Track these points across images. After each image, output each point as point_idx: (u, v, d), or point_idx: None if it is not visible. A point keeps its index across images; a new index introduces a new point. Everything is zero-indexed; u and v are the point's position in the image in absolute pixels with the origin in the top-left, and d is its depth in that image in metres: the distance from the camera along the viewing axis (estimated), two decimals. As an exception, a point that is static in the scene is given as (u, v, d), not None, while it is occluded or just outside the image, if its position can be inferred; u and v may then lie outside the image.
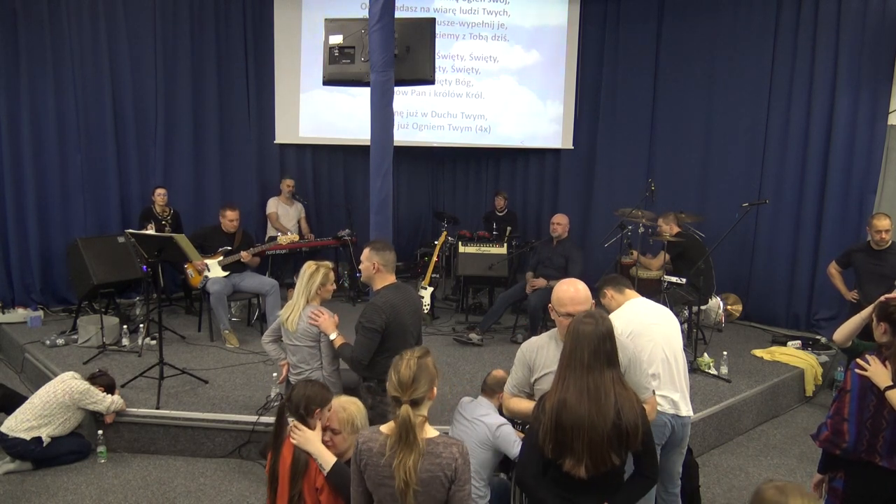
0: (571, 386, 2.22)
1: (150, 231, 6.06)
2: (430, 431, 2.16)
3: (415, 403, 2.11)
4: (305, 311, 3.58)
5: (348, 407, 2.83)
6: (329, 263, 3.80)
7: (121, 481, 3.97)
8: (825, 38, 6.41)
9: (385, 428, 2.17)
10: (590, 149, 8.28)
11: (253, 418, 4.26)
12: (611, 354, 2.25)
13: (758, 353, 5.88)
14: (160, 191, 6.67)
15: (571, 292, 2.60)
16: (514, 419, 3.40)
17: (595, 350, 2.21)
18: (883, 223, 5.10)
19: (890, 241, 5.12)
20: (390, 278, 3.54)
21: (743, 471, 4.36)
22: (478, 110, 8.35)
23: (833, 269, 5.61)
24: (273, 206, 7.59)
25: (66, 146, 6.66)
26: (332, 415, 2.76)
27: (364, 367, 3.39)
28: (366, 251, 3.51)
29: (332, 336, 3.51)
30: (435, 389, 2.20)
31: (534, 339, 2.79)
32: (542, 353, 2.69)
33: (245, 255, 5.86)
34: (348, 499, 2.70)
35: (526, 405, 2.71)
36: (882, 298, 2.86)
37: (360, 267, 3.56)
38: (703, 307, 6.00)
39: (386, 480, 2.09)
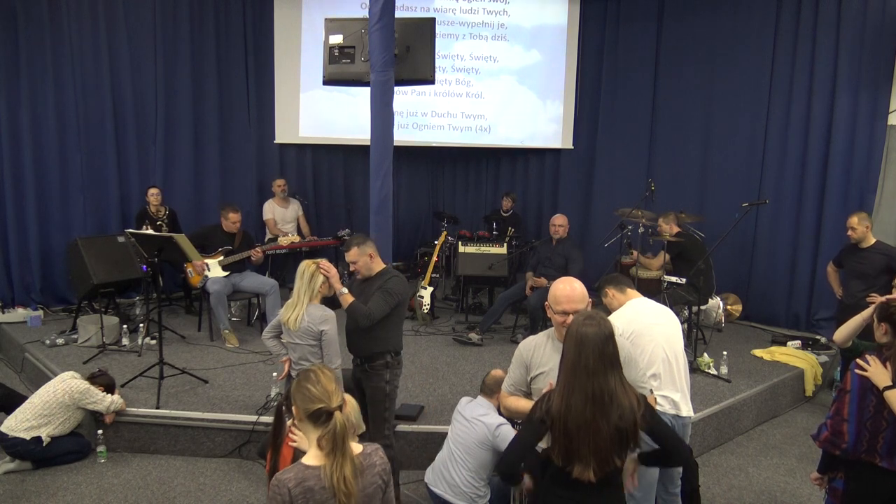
0: (577, 391, 2.21)
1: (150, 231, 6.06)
2: (356, 446, 2.05)
3: (340, 410, 1.99)
4: (308, 310, 3.58)
5: None
6: (326, 261, 3.81)
7: (121, 481, 3.97)
8: (825, 38, 6.41)
9: (309, 459, 1.99)
10: (590, 149, 8.28)
11: (253, 418, 4.26)
12: (613, 357, 2.25)
13: (758, 353, 5.88)
14: (153, 191, 6.65)
15: (568, 291, 2.60)
16: (513, 419, 3.40)
17: (600, 355, 2.21)
18: (850, 220, 5.15)
19: (871, 240, 5.12)
20: (382, 262, 3.71)
21: (743, 471, 4.37)
22: (478, 110, 8.35)
23: (830, 267, 5.63)
24: (269, 210, 7.56)
25: (66, 146, 6.66)
26: None
27: (373, 323, 3.50)
28: (353, 251, 3.59)
29: (344, 291, 3.57)
30: None
31: (531, 337, 2.79)
32: (538, 351, 2.69)
33: (255, 253, 5.89)
34: None
35: (524, 404, 2.70)
36: (883, 299, 2.85)
37: (357, 266, 3.62)
38: (703, 307, 6.00)
39: None
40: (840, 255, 5.45)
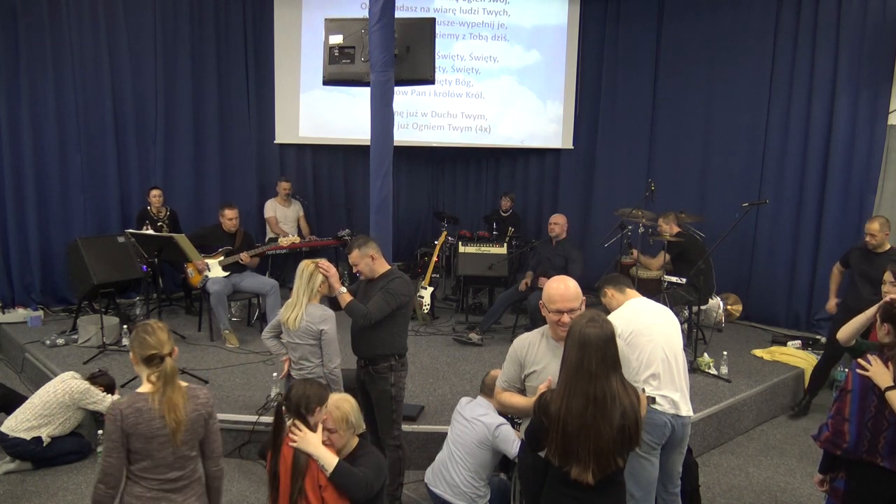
0: (577, 393, 2.21)
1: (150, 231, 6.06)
2: (183, 383, 2.41)
3: (170, 356, 2.36)
4: (308, 310, 3.59)
5: (342, 405, 2.84)
6: (325, 260, 3.80)
7: (121, 481, 3.97)
8: (825, 39, 6.41)
9: (144, 389, 2.35)
10: (590, 149, 8.28)
11: (253, 418, 4.26)
12: (615, 359, 2.25)
13: (758, 353, 5.88)
14: (155, 192, 6.65)
15: (562, 289, 2.61)
16: (514, 418, 3.40)
17: (602, 357, 2.21)
18: (871, 226, 5.00)
19: (887, 246, 5.06)
20: (386, 263, 3.64)
21: (743, 471, 4.37)
22: (478, 110, 8.35)
23: (836, 268, 5.56)
24: (270, 209, 7.57)
25: (66, 146, 6.65)
26: (326, 414, 2.78)
27: (370, 323, 3.45)
28: (354, 252, 3.55)
29: (343, 291, 3.55)
30: None
31: (525, 335, 2.79)
32: (532, 349, 2.69)
33: (244, 257, 5.86)
34: (353, 497, 2.71)
35: (518, 400, 2.71)
36: (886, 299, 2.85)
37: (359, 268, 3.58)
38: (703, 307, 6.00)
39: (157, 431, 2.30)
40: (849, 255, 5.33)
